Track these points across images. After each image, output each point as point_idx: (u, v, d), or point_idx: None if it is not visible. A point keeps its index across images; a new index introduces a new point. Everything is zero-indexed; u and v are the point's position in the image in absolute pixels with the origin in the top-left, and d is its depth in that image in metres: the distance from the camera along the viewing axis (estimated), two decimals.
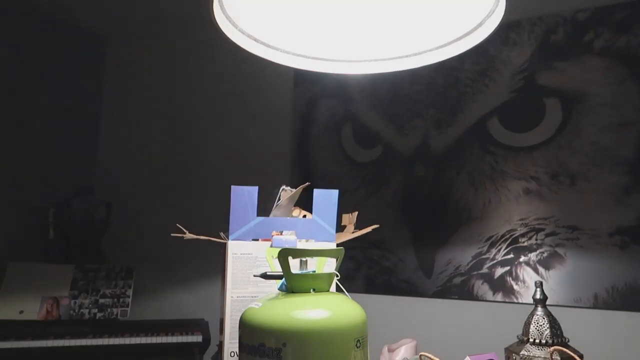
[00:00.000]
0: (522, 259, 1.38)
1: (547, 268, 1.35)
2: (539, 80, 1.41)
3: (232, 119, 1.88)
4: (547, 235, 1.36)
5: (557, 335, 0.74)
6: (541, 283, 0.79)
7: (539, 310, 0.78)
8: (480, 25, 0.61)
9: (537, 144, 1.40)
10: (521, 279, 1.38)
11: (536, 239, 1.37)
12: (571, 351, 0.72)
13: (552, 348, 0.68)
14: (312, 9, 0.69)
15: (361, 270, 1.59)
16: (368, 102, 1.64)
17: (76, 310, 1.63)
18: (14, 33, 1.81)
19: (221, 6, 0.60)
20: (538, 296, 0.79)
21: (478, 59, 1.49)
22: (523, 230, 1.39)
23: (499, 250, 1.41)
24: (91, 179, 2.11)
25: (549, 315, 0.77)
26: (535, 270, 1.36)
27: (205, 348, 1.52)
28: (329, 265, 0.69)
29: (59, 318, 1.60)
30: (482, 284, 1.42)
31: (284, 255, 0.61)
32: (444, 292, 1.47)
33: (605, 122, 1.33)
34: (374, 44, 0.73)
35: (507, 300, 1.39)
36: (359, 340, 0.60)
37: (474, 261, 1.44)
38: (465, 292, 1.44)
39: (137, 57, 2.12)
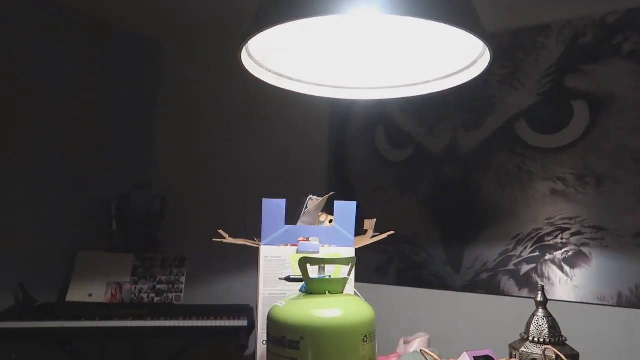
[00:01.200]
0: (548, 257, 1.43)
1: (572, 266, 1.40)
2: (567, 83, 1.44)
3: (273, 122, 2.01)
4: (572, 234, 1.40)
5: (554, 335, 0.82)
6: (542, 287, 0.87)
7: (540, 312, 0.86)
8: (474, 63, 0.69)
9: (564, 146, 1.43)
10: (546, 276, 1.43)
11: (562, 238, 1.42)
12: (566, 350, 0.80)
13: (543, 347, 0.76)
14: (329, 47, 0.79)
15: (393, 264, 1.68)
16: (400, 105, 1.71)
17: (136, 295, 1.82)
18: (78, 43, 2.01)
19: (249, 54, 0.71)
20: (539, 299, 0.87)
21: (505, 62, 1.53)
22: (549, 229, 1.44)
23: (525, 248, 1.47)
24: (147, 175, 2.31)
25: (548, 316, 0.85)
26: (560, 268, 1.41)
27: (250, 332, 1.67)
28: (345, 269, 0.80)
29: (122, 301, 1.80)
30: (509, 280, 1.48)
31: (304, 263, 0.73)
32: (472, 286, 1.54)
33: (632, 124, 1.34)
34: (382, 74, 0.82)
35: (532, 296, 1.45)
36: (366, 336, 0.71)
37: (501, 258, 1.50)
38: (492, 288, 1.51)
39: (190, 62, 2.28)
